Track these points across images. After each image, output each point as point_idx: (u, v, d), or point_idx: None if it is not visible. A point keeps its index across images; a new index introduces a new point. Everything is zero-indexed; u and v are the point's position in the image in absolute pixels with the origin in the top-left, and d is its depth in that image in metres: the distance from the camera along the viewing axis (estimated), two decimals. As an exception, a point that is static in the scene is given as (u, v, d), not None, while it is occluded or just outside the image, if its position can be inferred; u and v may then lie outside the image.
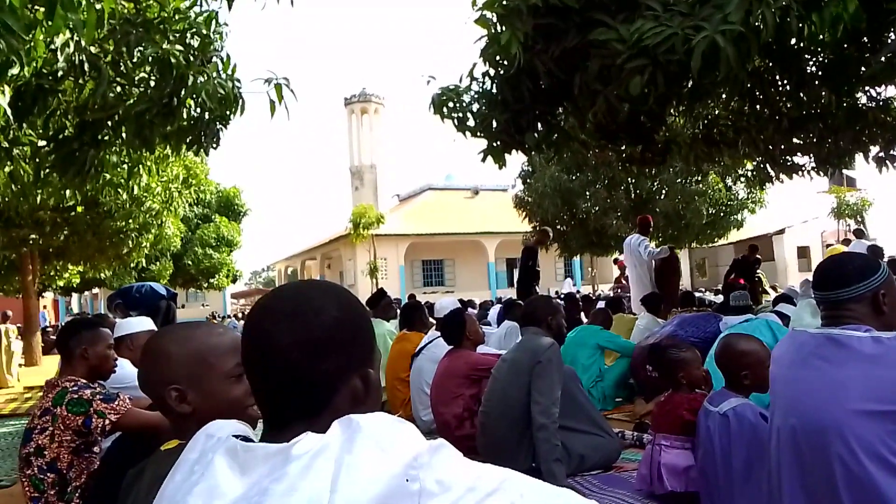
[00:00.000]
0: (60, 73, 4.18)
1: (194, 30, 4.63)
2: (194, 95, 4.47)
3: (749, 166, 8.10)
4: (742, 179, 16.49)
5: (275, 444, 0.85)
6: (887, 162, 6.35)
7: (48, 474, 2.57)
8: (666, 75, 3.80)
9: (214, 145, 5.05)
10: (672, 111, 6.49)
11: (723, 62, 3.44)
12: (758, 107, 6.34)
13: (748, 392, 2.82)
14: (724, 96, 6.00)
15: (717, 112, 7.06)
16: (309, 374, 0.92)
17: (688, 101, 5.52)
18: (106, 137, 5.05)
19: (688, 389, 3.23)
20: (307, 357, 0.92)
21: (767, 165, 7.53)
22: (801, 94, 5.82)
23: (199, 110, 4.73)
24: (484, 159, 5.42)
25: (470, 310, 7.28)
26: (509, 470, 0.89)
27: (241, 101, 4.83)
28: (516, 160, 21.50)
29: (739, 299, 5.79)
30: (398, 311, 7.22)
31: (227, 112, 4.83)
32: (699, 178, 17.07)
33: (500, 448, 3.58)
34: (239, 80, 4.81)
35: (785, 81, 5.89)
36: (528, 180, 19.95)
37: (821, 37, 3.78)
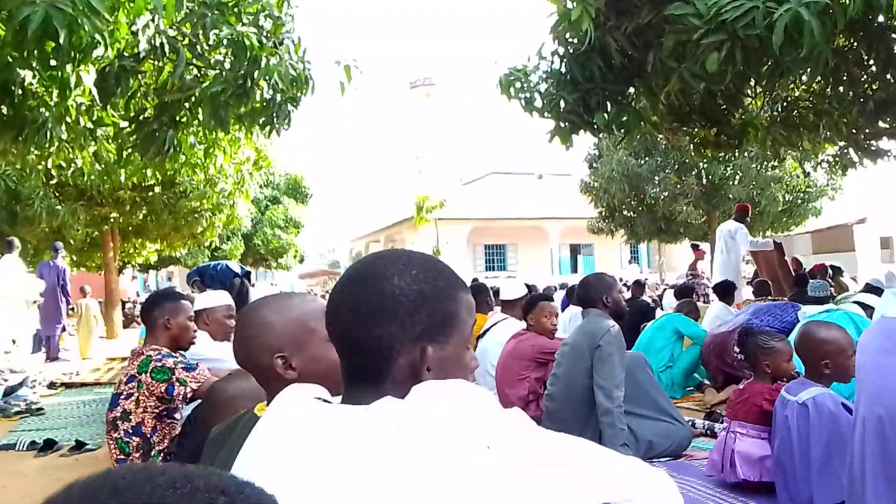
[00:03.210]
0: (142, 55, 4.33)
1: (267, 12, 4.72)
2: (267, 77, 4.55)
3: (830, 151, 7.72)
4: (823, 165, 15.72)
5: (357, 406, 0.87)
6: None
7: (133, 438, 2.70)
8: (745, 52, 3.65)
9: (286, 126, 5.15)
10: (749, 92, 6.23)
11: (806, 37, 3.28)
12: (841, 88, 6.02)
13: (829, 381, 2.72)
14: (805, 76, 5.73)
15: (797, 94, 6.74)
16: (361, 340, 0.93)
17: (767, 81, 5.27)
18: (183, 119, 5.22)
19: (770, 380, 3.13)
20: (358, 322, 0.93)
21: (850, 150, 7.17)
22: (888, 76, 5.50)
23: (271, 92, 4.83)
24: (551, 140, 5.34)
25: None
26: (580, 438, 0.93)
27: (311, 82, 4.91)
28: (582, 146, 21.16)
29: (819, 289, 5.57)
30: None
31: (298, 93, 4.91)
32: (775, 164, 16.35)
33: (565, 431, 3.55)
34: (309, 62, 4.89)
35: (871, 61, 5.58)
36: (595, 165, 19.58)
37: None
